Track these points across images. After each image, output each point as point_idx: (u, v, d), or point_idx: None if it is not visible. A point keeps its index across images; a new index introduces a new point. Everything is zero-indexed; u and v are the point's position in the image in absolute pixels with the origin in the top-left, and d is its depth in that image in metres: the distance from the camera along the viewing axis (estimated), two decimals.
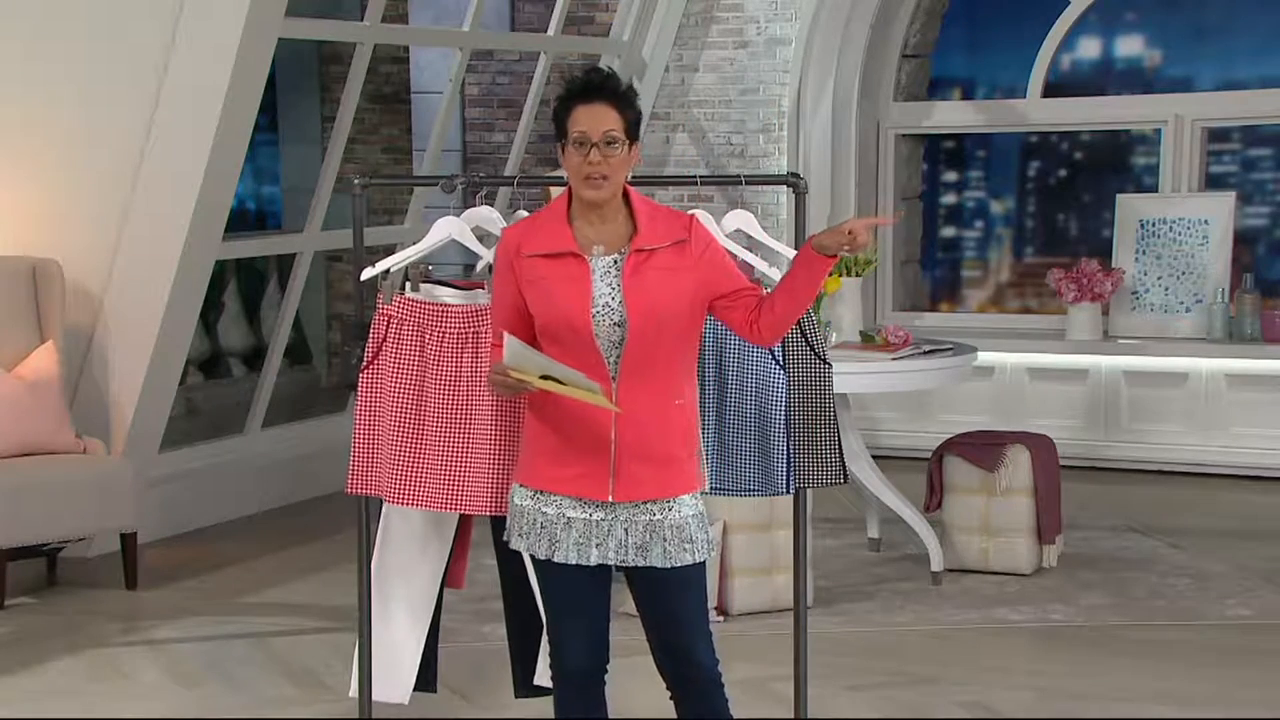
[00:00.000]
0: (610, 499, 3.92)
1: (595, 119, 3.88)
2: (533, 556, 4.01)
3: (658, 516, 3.94)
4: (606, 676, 4.07)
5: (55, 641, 6.37)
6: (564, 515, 3.95)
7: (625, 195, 3.98)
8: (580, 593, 3.98)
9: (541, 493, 3.97)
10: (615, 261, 3.93)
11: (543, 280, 3.92)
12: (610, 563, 3.95)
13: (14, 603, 6.86)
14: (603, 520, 3.94)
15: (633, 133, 3.92)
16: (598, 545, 3.93)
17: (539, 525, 3.97)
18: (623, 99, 3.92)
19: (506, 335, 3.86)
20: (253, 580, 7.26)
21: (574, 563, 3.94)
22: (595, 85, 3.91)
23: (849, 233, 3.86)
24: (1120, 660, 6.05)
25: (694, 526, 3.97)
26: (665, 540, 3.94)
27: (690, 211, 4.17)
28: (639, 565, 3.94)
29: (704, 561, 3.99)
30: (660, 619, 4.00)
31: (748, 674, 5.53)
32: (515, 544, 4.02)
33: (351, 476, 4.64)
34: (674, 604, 3.98)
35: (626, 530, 3.94)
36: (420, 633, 4.88)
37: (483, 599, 6.41)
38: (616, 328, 3.89)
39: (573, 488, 3.94)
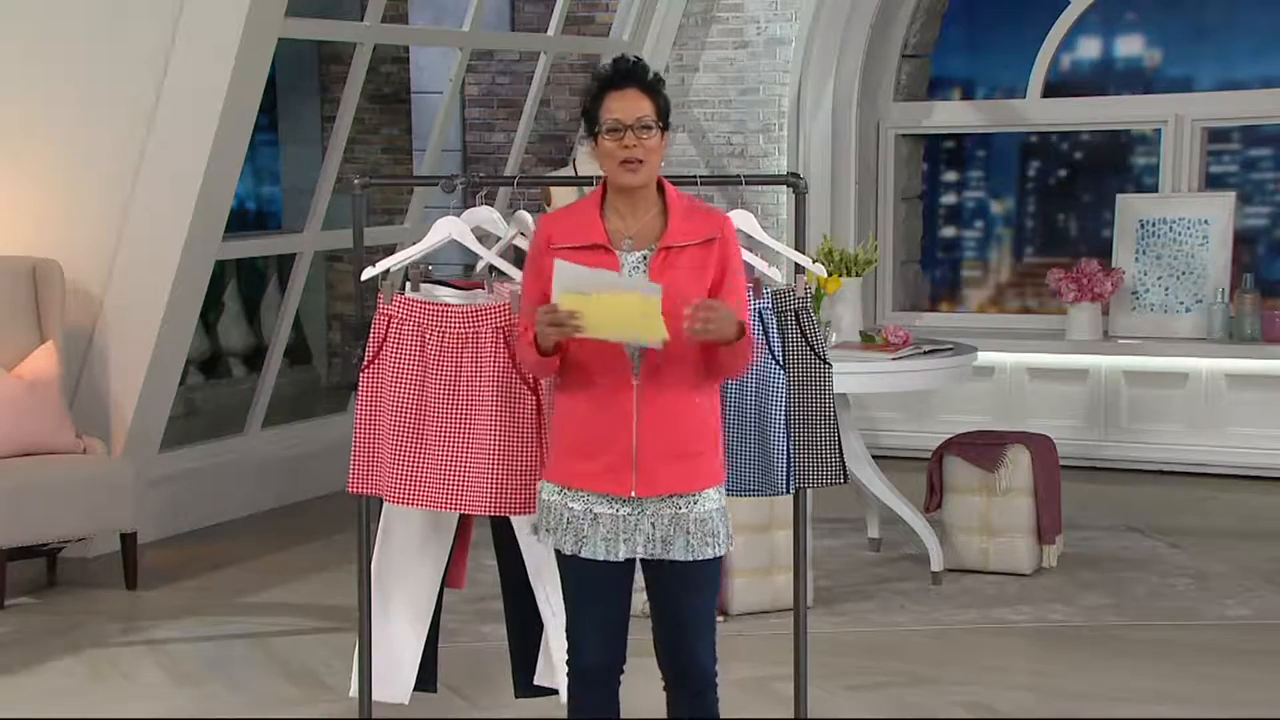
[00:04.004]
0: (633, 493, 3.94)
1: (627, 105, 3.93)
2: (558, 552, 4.03)
3: (682, 510, 3.97)
4: (621, 676, 4.08)
5: (55, 641, 6.37)
6: (591, 511, 3.97)
7: (661, 189, 4.01)
8: (604, 588, 3.99)
9: (568, 488, 3.99)
10: (644, 257, 3.95)
11: None
12: (638, 557, 3.97)
13: (14, 603, 6.86)
14: (629, 515, 3.96)
15: (663, 119, 3.97)
16: (625, 540, 3.96)
17: (565, 520, 3.99)
18: (652, 86, 3.98)
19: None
20: (253, 580, 7.25)
21: (602, 559, 3.96)
22: (624, 73, 3.97)
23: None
24: (1120, 660, 6.05)
25: (717, 520, 4.00)
26: (689, 533, 3.96)
27: (733, 212, 4.18)
28: (662, 558, 3.97)
29: (722, 557, 4.02)
30: (670, 613, 4.02)
31: (748, 674, 5.53)
32: (543, 539, 4.04)
33: (353, 476, 4.64)
34: (686, 600, 4.00)
35: (653, 524, 3.96)
36: (420, 633, 4.88)
37: (483, 599, 6.41)
38: None
39: (596, 483, 3.95)
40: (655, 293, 3.77)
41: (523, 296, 4.08)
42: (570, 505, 3.98)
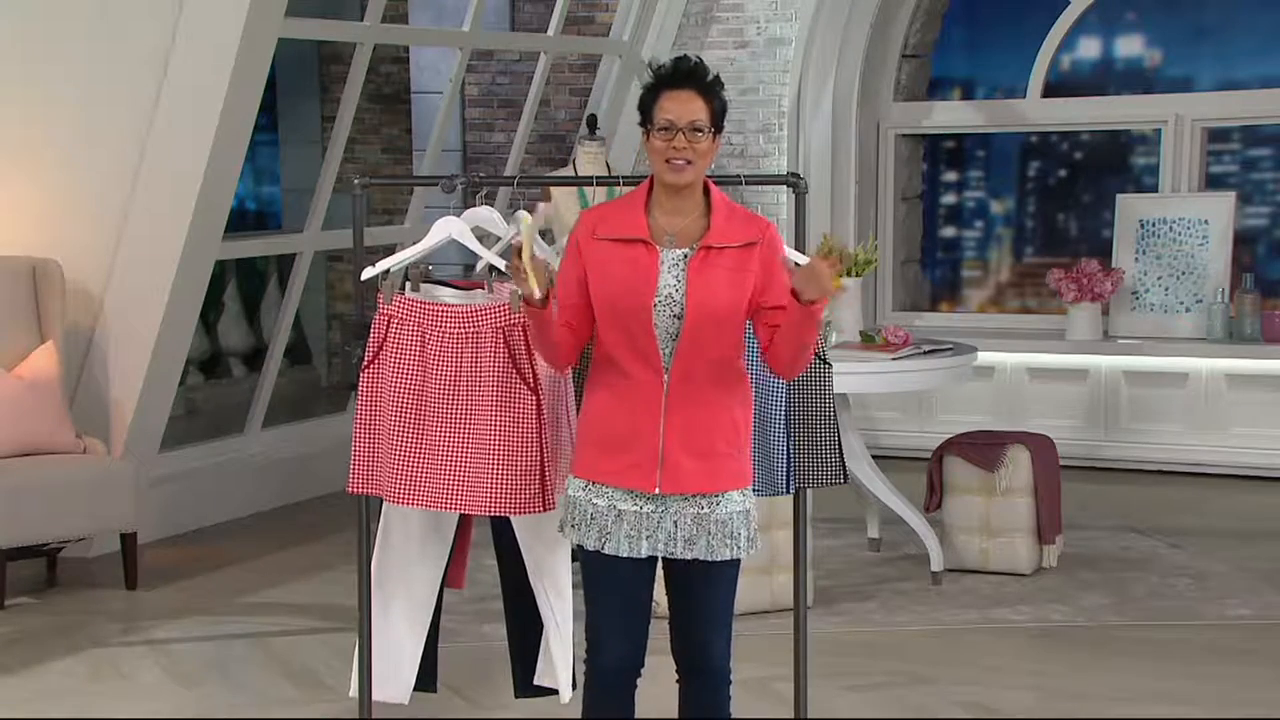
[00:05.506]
0: (657, 490, 3.95)
1: (682, 106, 3.93)
2: (581, 548, 4.04)
3: (705, 510, 3.99)
4: (638, 680, 4.09)
5: (55, 641, 6.37)
6: (614, 508, 3.98)
7: (706, 190, 4.02)
8: (628, 587, 4.01)
9: (593, 484, 4.01)
10: (685, 255, 3.96)
11: (610, 263, 3.96)
12: (660, 554, 3.99)
13: (14, 603, 6.86)
14: (653, 513, 3.98)
15: (717, 122, 3.97)
16: (648, 537, 3.98)
17: (589, 516, 4.00)
18: (709, 88, 3.97)
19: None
20: (253, 580, 7.25)
21: (625, 555, 3.97)
22: (683, 73, 3.97)
23: (817, 272, 3.80)
24: (1120, 660, 6.05)
25: (738, 523, 4.02)
26: (710, 534, 3.98)
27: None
28: (685, 558, 3.98)
29: (740, 560, 4.03)
30: (686, 608, 4.05)
31: (748, 674, 5.52)
32: (569, 535, 4.06)
33: (353, 476, 4.63)
34: (702, 596, 4.03)
35: (676, 523, 3.98)
36: (420, 633, 4.88)
37: (483, 599, 6.41)
38: (675, 319, 3.93)
39: (621, 478, 3.97)
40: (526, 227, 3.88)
41: (559, 282, 4.07)
42: (594, 501, 4.00)
